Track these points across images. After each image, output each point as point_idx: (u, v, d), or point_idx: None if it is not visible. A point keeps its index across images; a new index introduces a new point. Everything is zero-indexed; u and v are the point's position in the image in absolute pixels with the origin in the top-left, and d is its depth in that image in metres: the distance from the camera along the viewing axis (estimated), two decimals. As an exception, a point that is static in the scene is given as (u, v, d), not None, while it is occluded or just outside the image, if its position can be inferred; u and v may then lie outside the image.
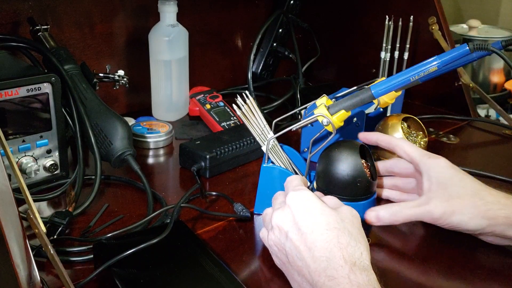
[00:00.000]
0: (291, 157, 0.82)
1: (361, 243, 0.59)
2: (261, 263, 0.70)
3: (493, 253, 0.73)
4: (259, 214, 0.80)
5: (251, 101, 0.79)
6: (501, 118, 1.21)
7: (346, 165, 0.75)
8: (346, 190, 0.75)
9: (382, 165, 0.82)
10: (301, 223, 0.60)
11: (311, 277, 0.58)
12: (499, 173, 0.93)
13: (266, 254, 0.71)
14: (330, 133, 0.78)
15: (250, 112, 0.79)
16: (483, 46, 0.71)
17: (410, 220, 0.72)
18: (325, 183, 0.77)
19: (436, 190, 0.72)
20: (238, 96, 0.79)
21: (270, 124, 0.80)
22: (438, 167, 0.73)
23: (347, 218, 0.62)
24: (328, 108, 0.77)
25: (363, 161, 0.76)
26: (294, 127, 0.79)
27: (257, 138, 0.80)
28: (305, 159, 0.81)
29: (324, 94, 0.80)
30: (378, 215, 0.72)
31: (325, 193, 0.76)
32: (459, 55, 0.71)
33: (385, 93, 0.75)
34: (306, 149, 0.96)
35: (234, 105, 0.81)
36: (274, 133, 0.78)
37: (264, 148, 0.79)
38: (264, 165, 0.79)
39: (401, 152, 0.78)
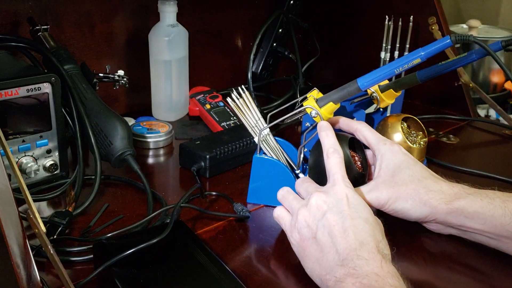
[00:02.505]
0: (286, 150, 0.84)
1: (388, 246, 0.63)
2: (261, 263, 0.70)
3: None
4: (251, 203, 0.84)
5: (246, 95, 0.81)
6: (501, 118, 1.21)
7: None
8: None
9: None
10: (343, 208, 0.63)
11: (338, 254, 0.60)
12: (499, 173, 0.93)
13: (266, 254, 0.72)
14: None
15: (245, 106, 0.82)
16: (464, 38, 0.73)
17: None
18: (316, 175, 0.78)
19: (385, 176, 0.73)
20: (234, 90, 0.82)
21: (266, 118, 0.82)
22: (391, 154, 0.74)
23: (381, 224, 0.65)
24: (317, 100, 0.78)
25: (353, 153, 0.78)
26: (285, 117, 0.81)
27: (250, 130, 0.82)
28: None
29: (314, 88, 0.81)
30: None
31: None
32: (442, 47, 0.72)
33: (371, 85, 0.76)
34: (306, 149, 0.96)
35: (228, 98, 0.83)
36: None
37: (256, 139, 0.81)
38: (256, 155, 0.81)
39: (361, 137, 0.78)
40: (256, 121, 0.82)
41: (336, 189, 0.65)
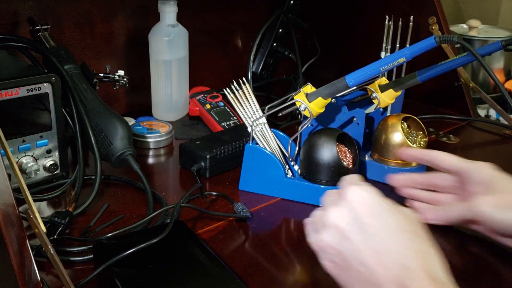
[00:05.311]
0: (283, 142, 0.88)
1: (435, 250, 0.51)
2: (261, 262, 0.70)
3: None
4: (243, 191, 0.86)
5: (246, 86, 0.85)
6: (501, 118, 1.21)
7: (321, 150, 0.79)
8: (322, 175, 0.80)
9: (423, 177, 0.79)
10: (364, 221, 0.51)
11: (378, 282, 0.49)
12: (499, 173, 0.92)
13: (266, 254, 0.72)
14: (319, 123, 0.85)
15: (244, 97, 0.85)
16: (449, 39, 0.74)
17: (460, 219, 0.71)
18: (305, 167, 0.82)
19: (484, 189, 0.68)
20: (234, 82, 0.86)
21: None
22: (481, 169, 0.71)
23: (416, 220, 0.53)
24: (308, 95, 0.80)
25: (344, 148, 0.81)
26: (277, 109, 0.83)
27: (244, 121, 0.86)
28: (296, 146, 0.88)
29: (308, 83, 0.83)
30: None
31: (306, 178, 0.82)
32: (427, 47, 0.74)
33: (357, 82, 0.78)
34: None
35: (226, 89, 0.86)
36: (266, 118, 0.85)
37: (249, 129, 0.85)
38: (248, 144, 0.85)
39: (439, 162, 0.75)
40: (254, 112, 0.85)
41: (344, 194, 0.54)
